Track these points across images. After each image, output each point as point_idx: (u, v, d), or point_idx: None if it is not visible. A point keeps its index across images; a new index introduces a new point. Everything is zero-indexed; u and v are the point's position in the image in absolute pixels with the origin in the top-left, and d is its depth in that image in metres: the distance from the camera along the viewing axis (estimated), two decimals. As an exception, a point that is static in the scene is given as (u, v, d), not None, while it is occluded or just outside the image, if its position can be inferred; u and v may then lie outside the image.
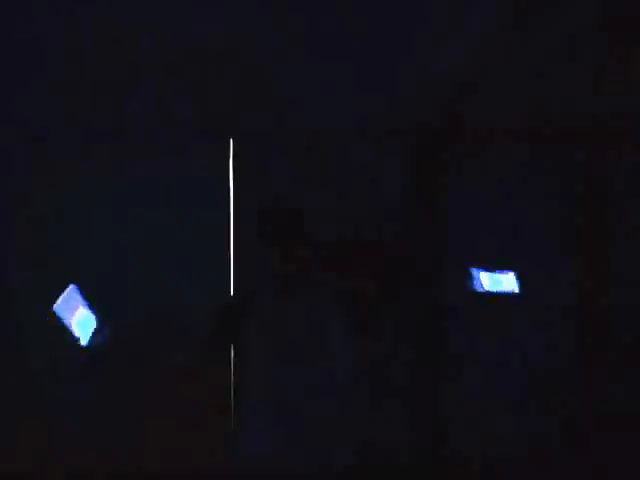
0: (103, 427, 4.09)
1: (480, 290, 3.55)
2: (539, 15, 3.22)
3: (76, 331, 3.58)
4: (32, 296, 4.13)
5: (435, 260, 4.27)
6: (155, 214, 4.18)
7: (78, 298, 3.61)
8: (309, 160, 4.23)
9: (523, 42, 3.59)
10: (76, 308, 3.64)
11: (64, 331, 3.72)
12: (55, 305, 3.59)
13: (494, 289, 3.64)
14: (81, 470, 4.05)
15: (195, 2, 3.33)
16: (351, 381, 4.18)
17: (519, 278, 3.86)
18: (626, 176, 4.31)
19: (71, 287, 3.59)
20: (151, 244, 4.18)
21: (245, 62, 3.67)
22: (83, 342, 3.53)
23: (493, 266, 3.63)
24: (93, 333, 3.67)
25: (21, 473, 4.03)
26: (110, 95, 3.87)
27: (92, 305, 4.06)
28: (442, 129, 4.21)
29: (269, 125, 4.13)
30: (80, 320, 3.65)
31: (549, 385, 4.19)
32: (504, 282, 3.58)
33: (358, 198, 4.25)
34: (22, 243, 4.14)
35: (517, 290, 3.54)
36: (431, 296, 4.27)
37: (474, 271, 3.53)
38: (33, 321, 4.10)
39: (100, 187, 4.17)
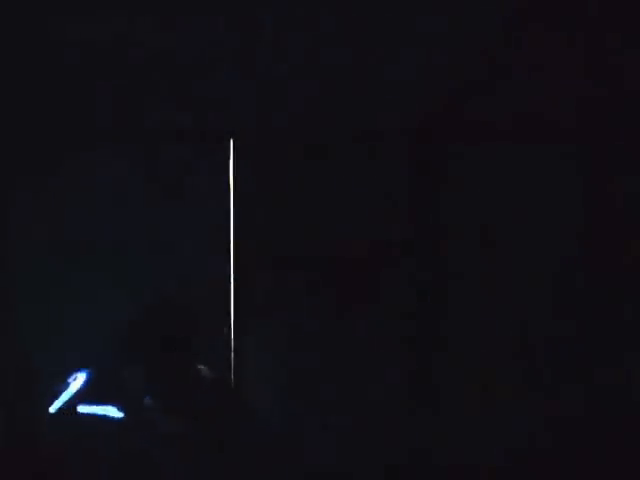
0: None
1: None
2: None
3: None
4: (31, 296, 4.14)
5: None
6: (154, 214, 4.18)
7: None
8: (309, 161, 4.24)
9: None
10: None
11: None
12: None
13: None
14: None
15: (196, 5, 3.34)
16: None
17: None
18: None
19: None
20: (149, 244, 4.18)
21: (245, 62, 3.68)
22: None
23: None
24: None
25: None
26: (110, 95, 3.88)
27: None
28: (442, 128, 4.22)
29: (269, 125, 4.14)
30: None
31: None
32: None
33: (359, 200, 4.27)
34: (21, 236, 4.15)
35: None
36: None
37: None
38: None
39: (99, 186, 4.17)
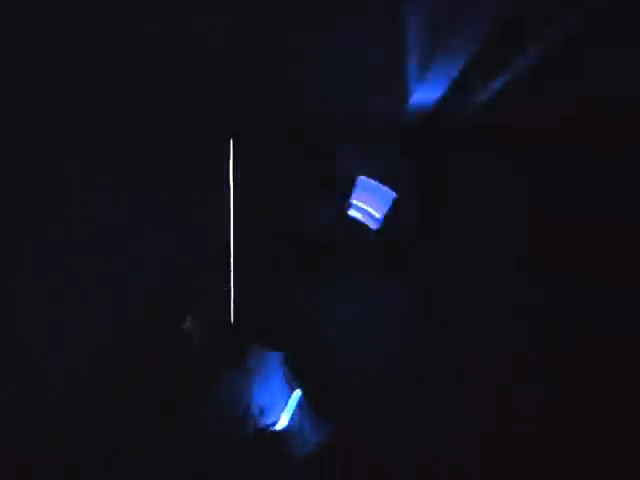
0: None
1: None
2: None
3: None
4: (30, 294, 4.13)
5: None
6: (153, 214, 4.17)
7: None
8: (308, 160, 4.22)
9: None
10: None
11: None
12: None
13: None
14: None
15: (193, 5, 3.30)
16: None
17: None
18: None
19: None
20: (149, 244, 4.17)
21: (245, 63, 3.65)
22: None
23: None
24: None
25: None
26: (109, 94, 3.86)
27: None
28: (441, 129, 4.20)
29: (269, 125, 4.12)
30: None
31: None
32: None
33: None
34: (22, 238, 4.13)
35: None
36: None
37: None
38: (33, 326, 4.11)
39: (98, 187, 4.16)
